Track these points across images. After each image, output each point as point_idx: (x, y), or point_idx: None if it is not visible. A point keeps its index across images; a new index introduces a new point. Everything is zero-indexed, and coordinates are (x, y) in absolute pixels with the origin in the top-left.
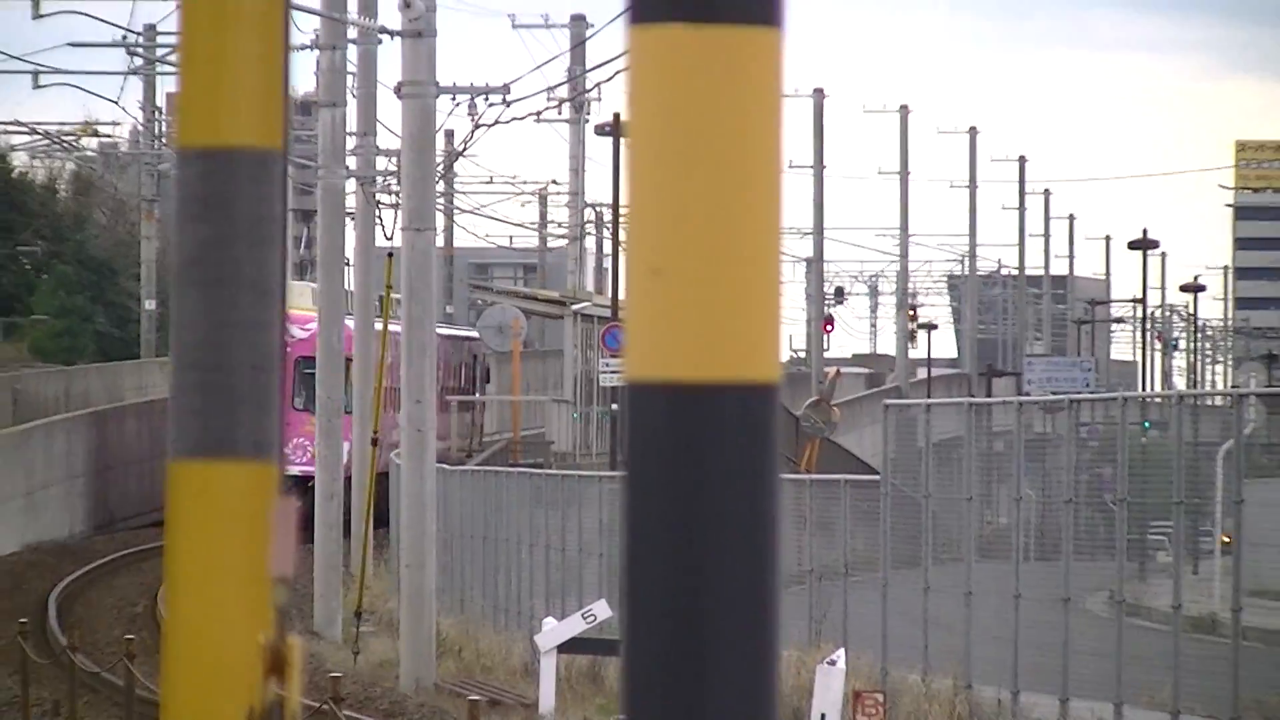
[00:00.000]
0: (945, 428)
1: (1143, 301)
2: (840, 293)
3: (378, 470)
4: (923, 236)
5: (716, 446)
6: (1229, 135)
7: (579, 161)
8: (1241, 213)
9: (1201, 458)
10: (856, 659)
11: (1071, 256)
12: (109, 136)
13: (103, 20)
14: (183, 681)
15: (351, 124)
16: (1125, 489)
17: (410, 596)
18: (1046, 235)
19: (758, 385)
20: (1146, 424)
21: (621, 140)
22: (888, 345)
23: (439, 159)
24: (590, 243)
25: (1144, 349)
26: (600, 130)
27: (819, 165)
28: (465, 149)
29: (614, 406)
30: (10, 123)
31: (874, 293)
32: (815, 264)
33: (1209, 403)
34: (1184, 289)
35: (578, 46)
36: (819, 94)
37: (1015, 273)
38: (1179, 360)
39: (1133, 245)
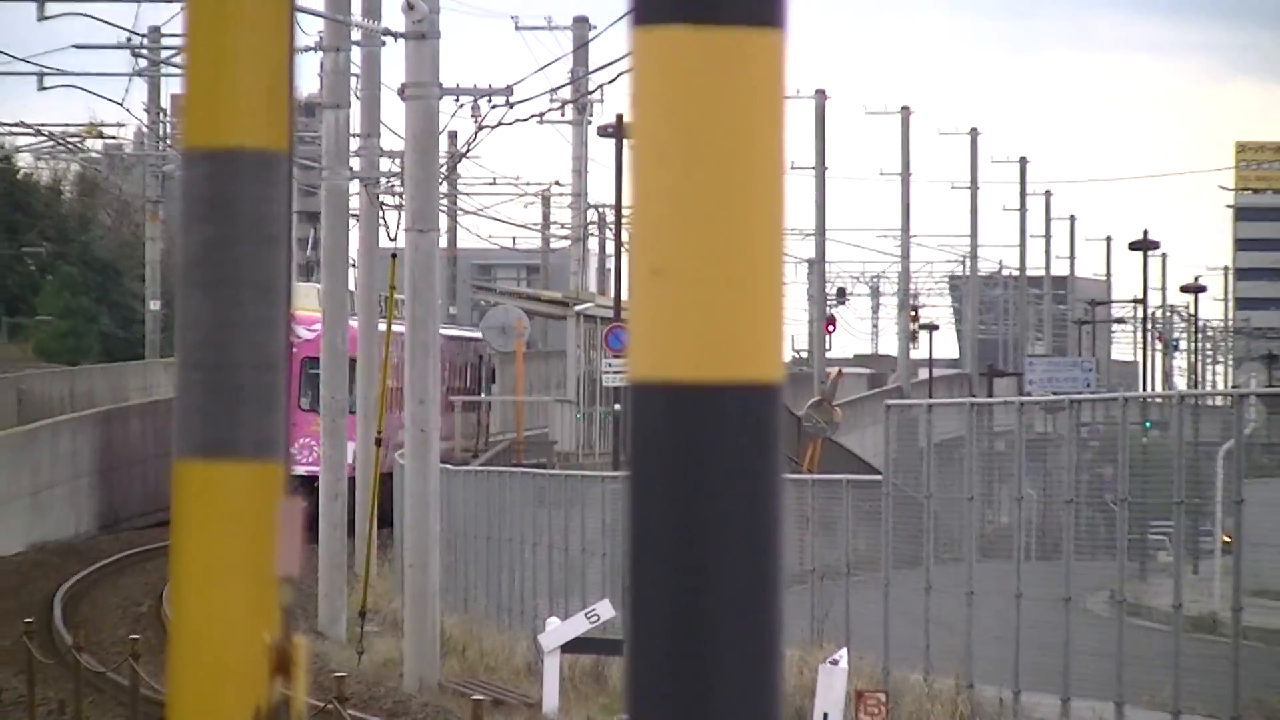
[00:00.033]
0: (947, 428)
1: (1143, 302)
2: (842, 293)
3: (381, 470)
4: (924, 237)
5: (719, 446)
6: (1229, 137)
7: (582, 163)
8: (1242, 214)
9: (1202, 458)
10: (859, 658)
11: (1072, 257)
12: (114, 138)
13: (107, 22)
14: (189, 681)
15: (355, 125)
16: (1126, 489)
17: (414, 596)
18: (1047, 236)
19: (760, 385)
20: (1147, 424)
21: (624, 141)
22: (889, 346)
23: (442, 160)
24: (593, 244)
25: (1145, 349)
26: (603, 132)
27: (821, 166)
28: (469, 150)
29: (616, 407)
30: (16, 124)
31: (876, 293)
32: (817, 265)
33: (1209, 403)
34: (1184, 290)
35: (580, 48)
36: (821, 95)
37: (1016, 273)
38: (1179, 360)
39: (1133, 246)
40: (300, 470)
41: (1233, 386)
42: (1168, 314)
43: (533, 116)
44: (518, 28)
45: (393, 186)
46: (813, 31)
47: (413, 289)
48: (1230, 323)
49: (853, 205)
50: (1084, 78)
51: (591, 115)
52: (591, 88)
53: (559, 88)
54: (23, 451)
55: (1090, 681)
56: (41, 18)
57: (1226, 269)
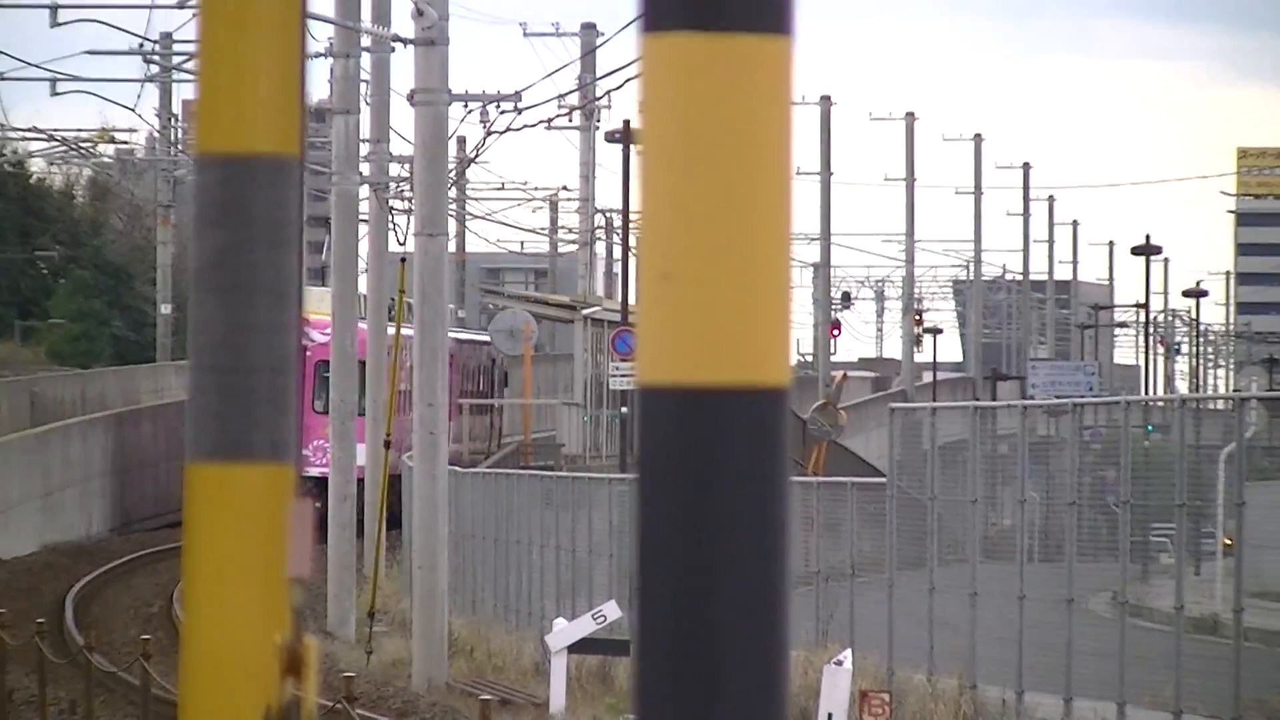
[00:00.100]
0: (950, 431)
1: (1145, 306)
2: (847, 298)
3: (389, 473)
4: (928, 242)
5: (727, 449)
6: (1231, 142)
7: (589, 168)
8: (1243, 219)
9: (1203, 460)
10: (863, 659)
11: (1075, 262)
12: (126, 143)
13: (120, 28)
14: (201, 681)
15: (365, 131)
16: (1128, 491)
17: (423, 597)
18: (1050, 241)
19: (768, 389)
20: (1149, 427)
21: (631, 147)
22: (894, 349)
23: (451, 165)
24: (600, 248)
25: (1146, 353)
26: (610, 137)
27: (826, 172)
28: (477, 155)
29: (623, 410)
30: (29, 129)
31: (880, 298)
32: (822, 269)
33: (1211, 406)
34: (1186, 294)
35: (588, 54)
36: (826, 101)
37: (1019, 278)
38: (1181, 364)
39: (1136, 251)
40: (314, 472)
41: (1234, 390)
42: (1170, 318)
43: (540, 122)
44: (526, 34)
45: (402, 191)
46: (819, 38)
47: (422, 293)
48: (1231, 327)
49: (858, 210)
50: (1087, 83)
51: (599, 121)
52: (599, 94)
53: (567, 94)
54: (35, 453)
55: (1092, 682)
56: (54, 24)
57: (1228, 274)
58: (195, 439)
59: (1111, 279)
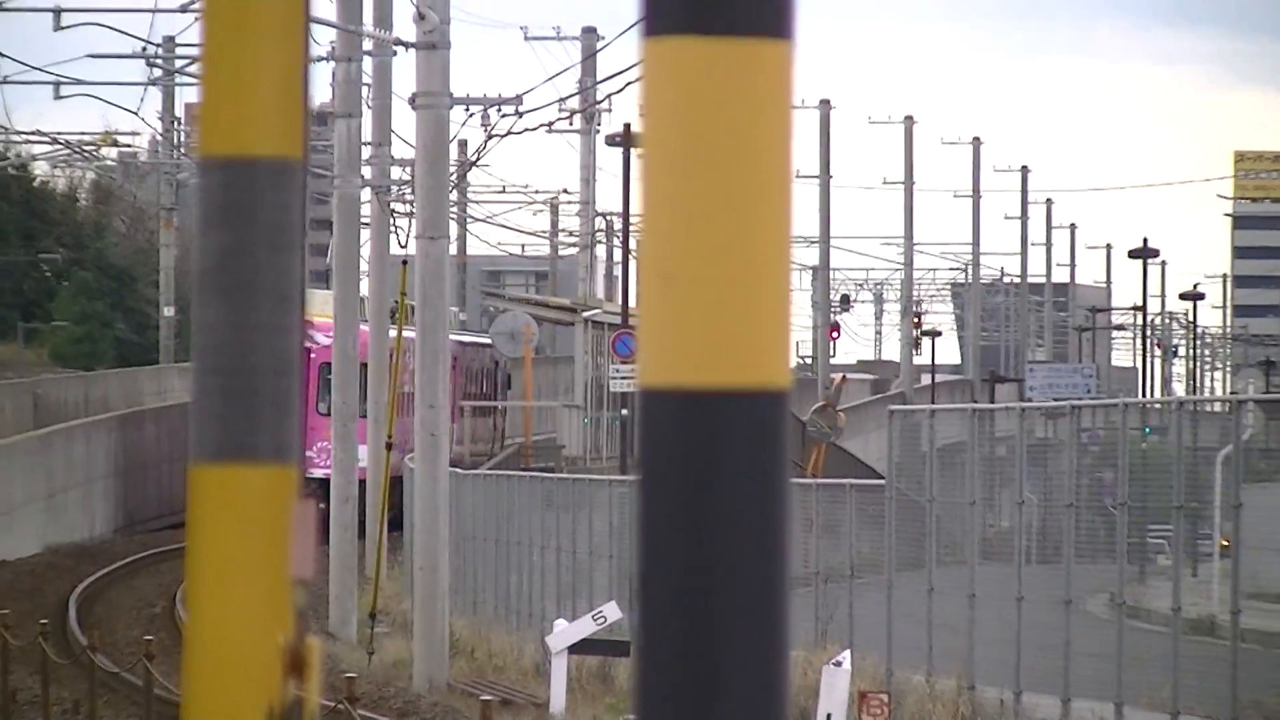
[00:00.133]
0: (949, 433)
1: (1143, 309)
2: (846, 300)
3: (391, 474)
4: (927, 245)
5: (727, 451)
6: (1228, 146)
7: (590, 171)
8: (1240, 222)
9: (1201, 462)
10: (862, 660)
11: (1073, 265)
12: (128, 146)
13: (123, 32)
14: (204, 681)
15: (367, 134)
16: (1126, 493)
17: (424, 598)
18: (1048, 244)
19: (768, 391)
20: (1146, 429)
21: (632, 150)
22: (892, 352)
23: (452, 168)
24: (601, 251)
25: (1144, 356)
26: (611, 140)
27: (825, 175)
28: (478, 159)
29: (624, 411)
30: (32, 133)
31: (879, 300)
32: (821, 272)
33: (1208, 408)
34: (1183, 297)
35: (589, 58)
36: (825, 105)
37: (1018, 280)
38: (1178, 367)
39: (1133, 254)
40: (318, 473)
41: (1231, 392)
42: (1167, 321)
43: (541, 126)
44: (527, 38)
45: (403, 194)
46: (818, 42)
47: (423, 295)
48: (1228, 329)
49: (857, 213)
50: (1086, 86)
51: (599, 124)
52: (599, 97)
53: (567, 97)
54: (38, 455)
55: (1090, 683)
56: (58, 27)
57: (1225, 276)
58: (199, 441)
59: (1109, 282)
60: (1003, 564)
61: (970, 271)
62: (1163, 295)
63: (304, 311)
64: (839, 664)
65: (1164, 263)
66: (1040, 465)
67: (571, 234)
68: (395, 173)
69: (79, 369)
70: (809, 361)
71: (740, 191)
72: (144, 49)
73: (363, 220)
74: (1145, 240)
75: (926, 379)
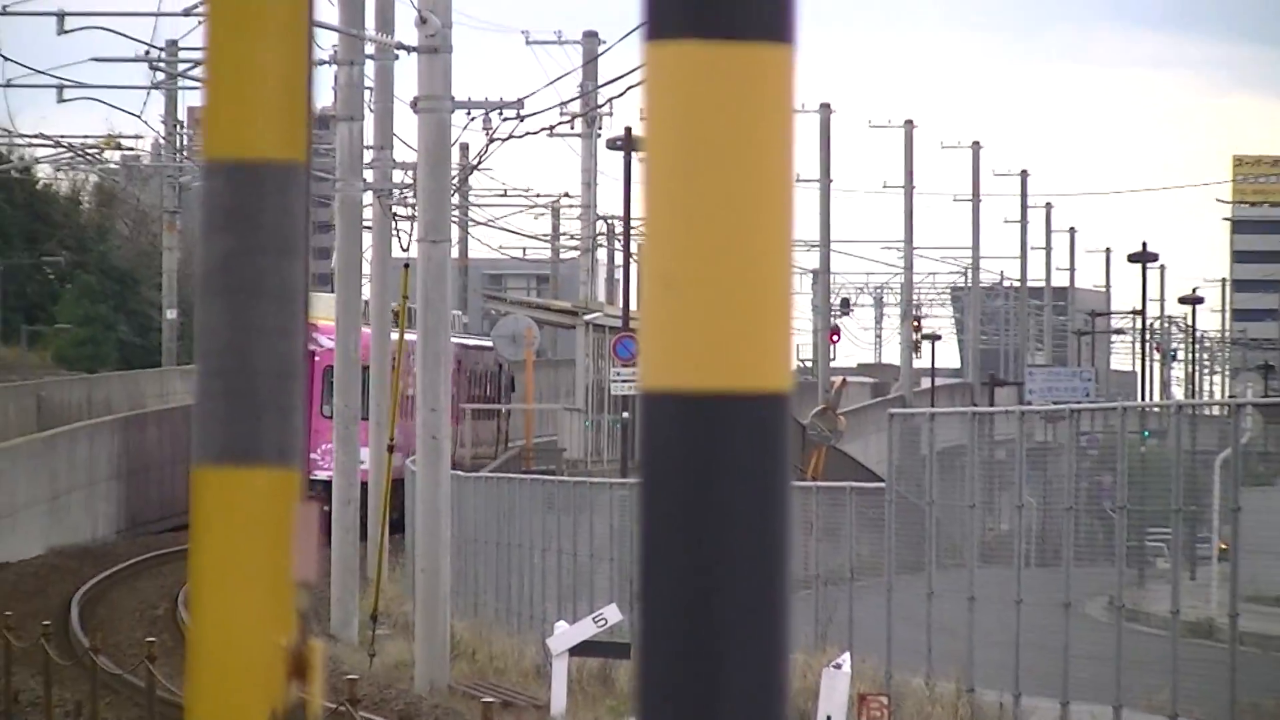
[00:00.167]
0: (948, 436)
1: (1142, 313)
2: (846, 304)
3: (393, 477)
4: (927, 249)
5: (729, 454)
6: (1228, 150)
7: (591, 175)
8: (1239, 226)
9: (1199, 466)
10: (861, 662)
11: (1072, 269)
12: (131, 150)
13: (126, 36)
14: (207, 683)
15: (369, 138)
16: (1125, 496)
17: (425, 600)
18: (1048, 248)
19: (769, 394)
20: (1145, 433)
21: (633, 154)
22: (892, 355)
23: (454, 172)
24: (602, 254)
25: (1143, 359)
26: (612, 144)
27: (825, 179)
28: (480, 162)
29: (624, 414)
30: (35, 136)
31: (879, 304)
32: (822, 276)
33: (1207, 412)
34: (1182, 301)
35: (590, 62)
36: (826, 109)
37: (1017, 284)
38: (1177, 370)
39: (1132, 258)
40: (321, 475)
41: (1230, 396)
42: (1166, 325)
43: (543, 129)
44: (528, 42)
45: (405, 198)
46: (818, 46)
47: (425, 299)
48: (1227, 334)
49: (857, 217)
50: (1086, 91)
51: (600, 128)
52: (600, 101)
53: (569, 101)
54: (42, 457)
55: (1089, 685)
56: (61, 31)
57: (1224, 281)
58: (202, 443)
59: (1108, 286)
60: (1002, 567)
61: (970, 275)
62: (1162, 299)
63: (307, 314)
64: (839, 666)
65: (1163, 267)
66: (1039, 469)
67: (573, 237)
68: (397, 176)
69: (82, 371)
70: (809, 365)
71: (741, 195)
72: (147, 53)
73: (365, 224)
74: (1144, 244)
75: (926, 382)
